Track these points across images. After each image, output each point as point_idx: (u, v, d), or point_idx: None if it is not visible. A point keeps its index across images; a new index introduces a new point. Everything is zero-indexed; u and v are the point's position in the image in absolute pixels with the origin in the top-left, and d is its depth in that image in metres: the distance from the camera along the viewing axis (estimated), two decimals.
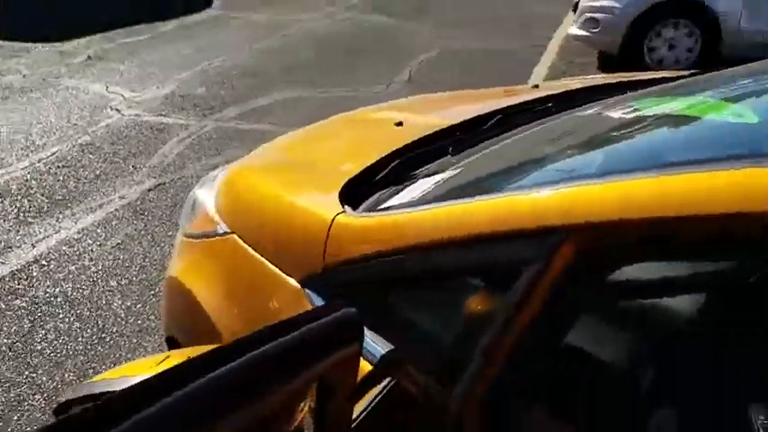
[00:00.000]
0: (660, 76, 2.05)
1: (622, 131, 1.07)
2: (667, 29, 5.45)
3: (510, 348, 0.72)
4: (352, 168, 1.32)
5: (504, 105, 1.71)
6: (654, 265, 0.71)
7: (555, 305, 0.70)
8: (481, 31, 7.46)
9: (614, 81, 1.98)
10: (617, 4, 5.45)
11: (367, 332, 0.83)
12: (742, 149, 0.81)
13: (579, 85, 1.97)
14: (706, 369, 0.90)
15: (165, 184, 3.85)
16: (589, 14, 5.68)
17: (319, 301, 0.99)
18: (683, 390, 0.86)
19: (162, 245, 3.18)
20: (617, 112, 1.29)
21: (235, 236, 1.31)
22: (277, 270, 1.14)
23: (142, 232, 3.32)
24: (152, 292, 2.82)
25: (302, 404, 0.75)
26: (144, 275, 2.95)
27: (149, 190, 3.77)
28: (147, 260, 3.07)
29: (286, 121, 4.48)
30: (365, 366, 0.83)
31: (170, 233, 3.26)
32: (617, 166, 0.76)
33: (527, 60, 6.14)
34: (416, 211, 0.94)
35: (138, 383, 0.51)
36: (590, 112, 1.36)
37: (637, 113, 1.21)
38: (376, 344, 0.84)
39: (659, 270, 0.80)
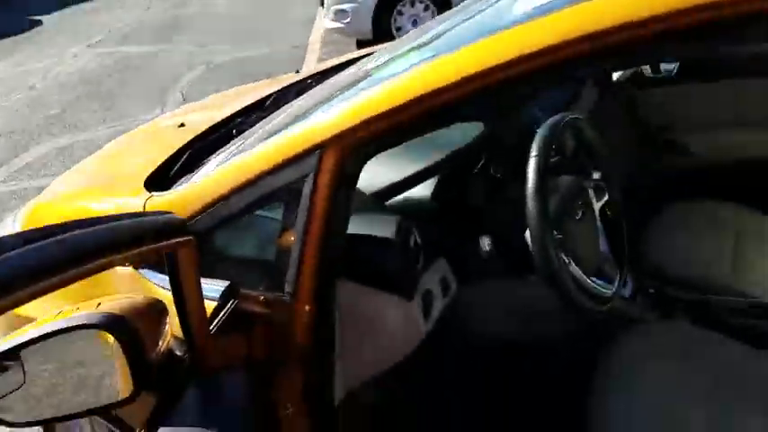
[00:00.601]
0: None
1: (361, 76, 1.36)
2: (407, 7, 6.11)
3: (312, 242, 0.97)
4: (150, 168, 1.44)
5: (275, 90, 1.96)
6: (386, 154, 1.00)
7: (333, 202, 0.97)
8: (242, 41, 7.60)
9: (360, 54, 2.32)
10: None
11: (206, 280, 1.00)
12: None
13: (333, 64, 2.28)
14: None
15: None
16: (336, 6, 6.11)
17: (155, 275, 1.12)
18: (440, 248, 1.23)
19: None
20: (359, 67, 1.59)
21: None
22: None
23: None
24: None
25: (164, 336, 0.90)
26: None
27: None
28: None
29: (64, 170, 4.24)
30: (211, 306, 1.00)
31: None
32: (350, 96, 1.04)
33: (294, 59, 6.44)
34: (215, 172, 1.12)
35: None
36: (337, 77, 1.65)
37: (373, 65, 1.51)
38: (215, 286, 1.01)
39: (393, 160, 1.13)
